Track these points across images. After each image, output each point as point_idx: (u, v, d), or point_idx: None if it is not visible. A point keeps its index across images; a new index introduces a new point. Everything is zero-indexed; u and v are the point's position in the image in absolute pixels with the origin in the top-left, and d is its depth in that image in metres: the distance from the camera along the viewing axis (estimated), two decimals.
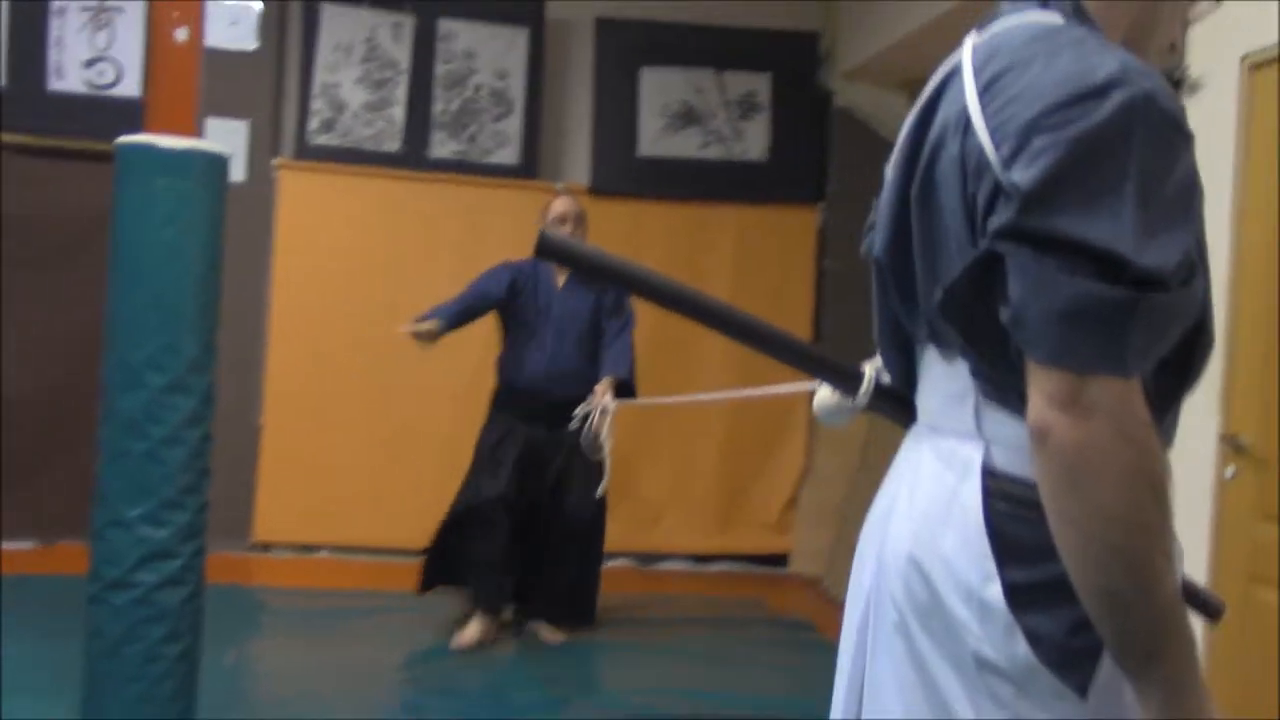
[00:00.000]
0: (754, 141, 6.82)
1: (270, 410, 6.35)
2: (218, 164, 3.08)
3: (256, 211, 6.26)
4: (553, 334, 4.85)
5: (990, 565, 1.25)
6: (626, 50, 6.73)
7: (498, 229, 6.38)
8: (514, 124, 6.61)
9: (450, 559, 4.88)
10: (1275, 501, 3.30)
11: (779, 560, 6.63)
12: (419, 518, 6.24)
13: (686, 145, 6.75)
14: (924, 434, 1.41)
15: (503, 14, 6.57)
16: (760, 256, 6.74)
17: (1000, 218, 1.17)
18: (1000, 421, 1.29)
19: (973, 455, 1.30)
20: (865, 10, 6.35)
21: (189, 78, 3.18)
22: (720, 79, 6.80)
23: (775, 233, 6.80)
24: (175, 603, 3.15)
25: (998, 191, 1.19)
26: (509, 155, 6.61)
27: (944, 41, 5.32)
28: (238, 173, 6.03)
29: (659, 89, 6.75)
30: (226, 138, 5.56)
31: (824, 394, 1.58)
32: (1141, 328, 1.12)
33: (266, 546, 6.35)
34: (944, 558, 1.29)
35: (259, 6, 6.33)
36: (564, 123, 6.81)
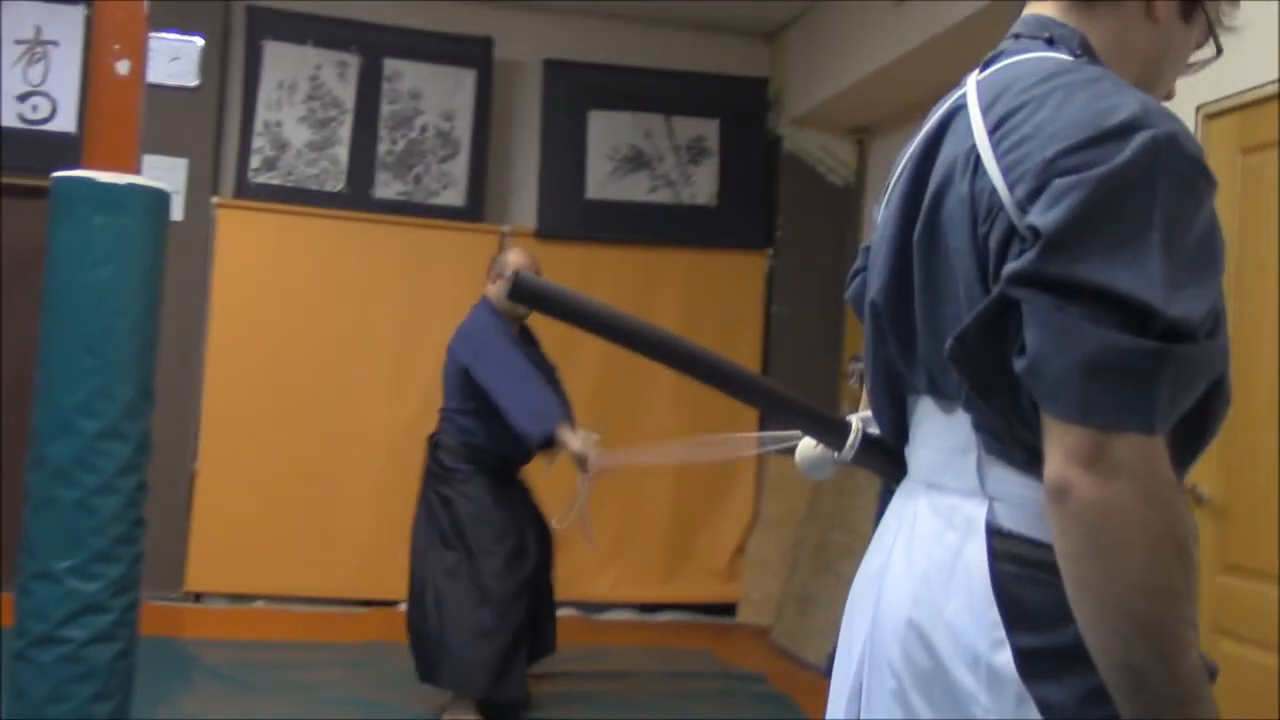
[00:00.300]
0: (702, 186, 6.79)
1: (205, 455, 6.16)
2: (158, 200, 2.97)
3: (194, 251, 6.11)
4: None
5: (999, 631, 1.17)
6: (575, 93, 6.68)
7: (442, 272, 6.28)
8: (460, 165, 6.53)
9: (489, 665, 4.23)
10: (1236, 553, 3.27)
11: (727, 609, 6.54)
12: (356, 566, 6.12)
13: (635, 189, 6.70)
14: (919, 490, 1.34)
15: (450, 55, 6.51)
16: (708, 301, 6.69)
17: (1017, 262, 1.10)
18: (1005, 478, 1.22)
19: (976, 513, 1.23)
20: (814, 56, 6.35)
21: (130, 112, 3.06)
22: (669, 123, 6.77)
23: (723, 277, 6.76)
24: (106, 660, 3.00)
25: (1012, 234, 1.12)
26: (455, 197, 6.52)
27: (893, 89, 5.34)
28: (176, 211, 5.89)
29: (607, 132, 6.70)
30: (165, 175, 5.42)
31: (807, 446, 1.50)
32: (1169, 382, 1.05)
33: (199, 596, 6.15)
34: (948, 622, 1.21)
35: (201, 42, 6.21)
36: (511, 165, 6.74)
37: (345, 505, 6.20)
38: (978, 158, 1.17)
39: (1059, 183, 1.09)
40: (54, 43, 6.00)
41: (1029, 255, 1.09)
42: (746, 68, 6.91)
